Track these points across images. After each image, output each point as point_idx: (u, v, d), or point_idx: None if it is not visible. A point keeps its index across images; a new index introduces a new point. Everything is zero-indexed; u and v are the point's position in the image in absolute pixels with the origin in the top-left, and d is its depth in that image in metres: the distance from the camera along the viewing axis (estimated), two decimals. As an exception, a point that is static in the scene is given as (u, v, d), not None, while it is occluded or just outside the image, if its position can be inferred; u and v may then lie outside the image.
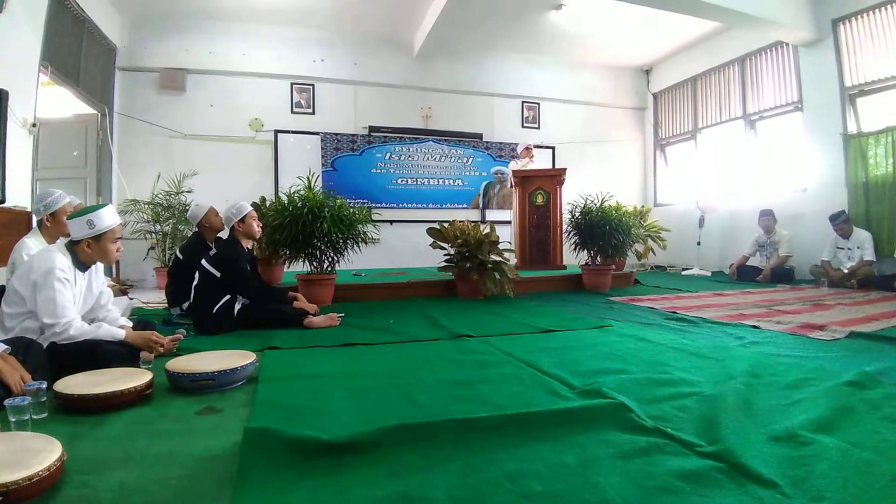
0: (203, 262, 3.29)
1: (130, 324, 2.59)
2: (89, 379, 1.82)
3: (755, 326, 3.22)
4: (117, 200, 6.33)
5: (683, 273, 7.47)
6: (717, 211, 7.36)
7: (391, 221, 7.47)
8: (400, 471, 1.26)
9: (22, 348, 1.91)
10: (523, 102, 8.59)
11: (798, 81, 6.57)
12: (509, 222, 6.75)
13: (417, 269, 6.28)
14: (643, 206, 7.89)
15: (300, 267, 4.45)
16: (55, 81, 5.04)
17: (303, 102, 7.48)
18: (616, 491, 1.14)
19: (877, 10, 5.63)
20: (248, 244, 3.49)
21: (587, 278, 5.39)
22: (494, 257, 4.64)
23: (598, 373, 2.12)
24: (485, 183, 8.21)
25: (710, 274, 7.17)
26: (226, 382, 1.98)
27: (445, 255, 4.86)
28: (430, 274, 5.35)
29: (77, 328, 2.16)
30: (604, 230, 5.12)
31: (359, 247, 4.35)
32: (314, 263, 4.26)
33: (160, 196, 6.32)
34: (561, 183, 5.79)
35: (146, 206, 6.23)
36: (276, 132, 7.29)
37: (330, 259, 4.28)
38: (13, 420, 1.47)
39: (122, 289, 3.97)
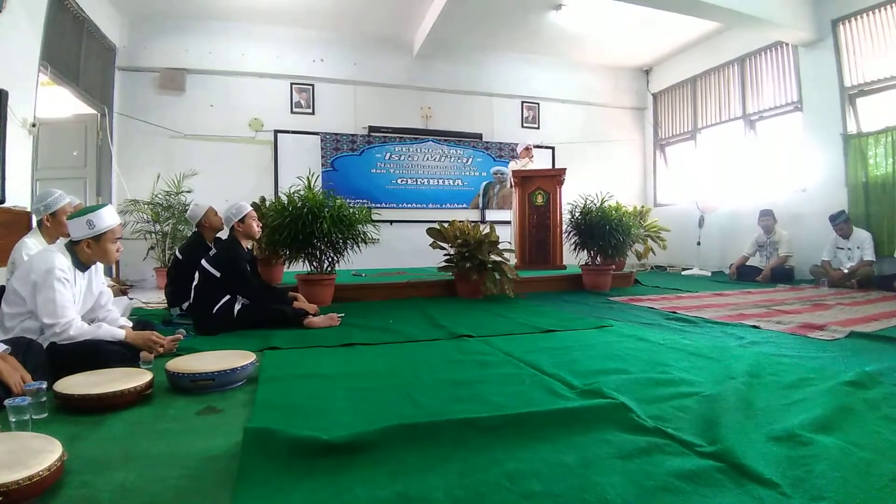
0: (203, 262, 3.29)
1: (130, 324, 2.59)
2: (89, 379, 1.82)
3: (755, 326, 3.22)
4: (117, 200, 6.33)
5: (683, 273, 7.47)
6: (717, 211, 7.36)
7: (391, 221, 7.47)
8: (400, 471, 1.26)
9: (22, 348, 1.91)
10: (523, 102, 8.60)
11: (798, 81, 6.57)
12: (509, 222, 6.75)
13: (417, 270, 6.28)
14: (643, 206, 7.88)
15: (300, 267, 4.45)
16: (55, 81, 5.04)
17: (302, 102, 7.48)
18: (616, 491, 1.15)
19: (876, 11, 5.64)
20: (247, 244, 3.49)
21: (587, 278, 5.39)
22: (494, 257, 4.64)
23: (599, 373, 2.12)
24: (484, 183, 8.22)
25: (710, 274, 7.17)
26: (226, 382, 1.98)
27: (445, 255, 4.86)
28: (429, 274, 5.35)
29: (77, 328, 2.16)
30: (604, 230, 5.12)
31: (359, 247, 4.34)
32: (314, 263, 4.26)
33: (160, 196, 6.32)
34: (561, 183, 5.79)
35: (146, 206, 6.23)
36: (276, 132, 7.29)
37: (330, 259, 4.28)
38: (13, 420, 1.47)
39: (121, 289, 3.97)
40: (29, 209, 4.18)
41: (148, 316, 3.60)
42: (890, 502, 1.10)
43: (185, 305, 3.64)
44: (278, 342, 2.80)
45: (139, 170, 6.63)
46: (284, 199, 4.29)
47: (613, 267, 5.59)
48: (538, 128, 8.67)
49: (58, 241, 2.55)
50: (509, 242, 6.04)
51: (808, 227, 6.22)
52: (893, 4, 5.47)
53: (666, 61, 8.76)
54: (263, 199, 5.11)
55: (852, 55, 5.93)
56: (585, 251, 5.38)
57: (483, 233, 4.76)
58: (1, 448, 1.22)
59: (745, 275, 6.37)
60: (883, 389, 1.83)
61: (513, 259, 5.57)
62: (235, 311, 3.25)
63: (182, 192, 6.39)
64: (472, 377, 2.12)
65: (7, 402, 1.50)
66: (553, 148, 8.62)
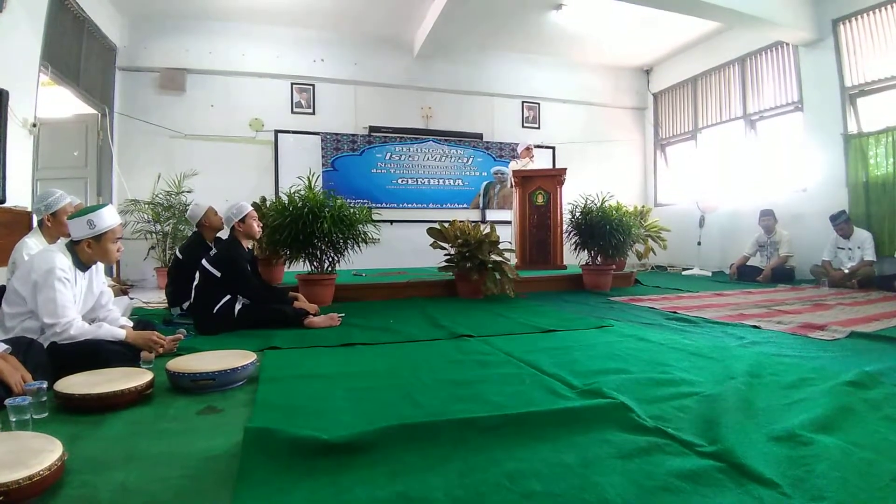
0: (203, 262, 3.29)
1: (131, 324, 2.59)
2: (90, 379, 1.82)
3: (756, 326, 3.22)
4: (117, 200, 6.33)
5: (684, 273, 7.47)
6: (718, 211, 7.36)
7: (391, 221, 7.47)
8: (400, 471, 1.26)
9: (23, 348, 1.91)
10: (523, 102, 8.60)
11: (798, 81, 6.57)
12: (509, 222, 6.75)
13: (418, 269, 6.29)
14: (643, 206, 7.89)
15: (300, 267, 4.45)
16: (55, 81, 5.04)
17: (303, 102, 7.48)
18: (616, 491, 1.15)
19: (877, 10, 5.63)
20: (248, 244, 3.49)
21: (587, 278, 5.39)
22: (495, 257, 4.64)
23: (599, 373, 2.12)
24: (485, 183, 8.22)
25: (710, 274, 7.17)
26: (226, 382, 1.98)
27: (446, 255, 4.86)
28: (430, 274, 5.35)
29: (77, 328, 2.16)
30: (604, 230, 5.12)
31: (359, 247, 4.34)
32: (314, 263, 4.26)
33: (160, 196, 6.32)
34: (561, 183, 5.79)
35: (146, 206, 6.23)
36: (277, 132, 7.29)
37: (330, 259, 4.28)
38: (14, 420, 1.47)
39: (122, 289, 3.98)
40: (30, 209, 4.19)
41: (148, 316, 3.60)
42: (890, 502, 1.10)
43: (185, 305, 3.65)
44: (279, 342, 2.80)
45: (140, 170, 6.63)
46: (285, 198, 4.29)
47: (614, 267, 5.59)
48: (539, 128, 8.67)
49: (58, 240, 2.55)
50: (510, 242, 6.04)
51: (809, 227, 6.22)
52: (894, 4, 5.46)
53: (666, 61, 8.75)
54: (264, 199, 5.11)
55: (853, 55, 5.93)
56: (586, 251, 5.38)
57: (483, 233, 4.76)
58: (1, 448, 1.22)
59: (745, 275, 6.37)
60: (883, 389, 1.83)
61: (513, 259, 5.57)
62: (236, 311, 3.25)
63: (182, 191, 6.40)
64: (472, 377, 2.12)
65: (8, 401, 1.50)
66: (553, 148, 8.62)
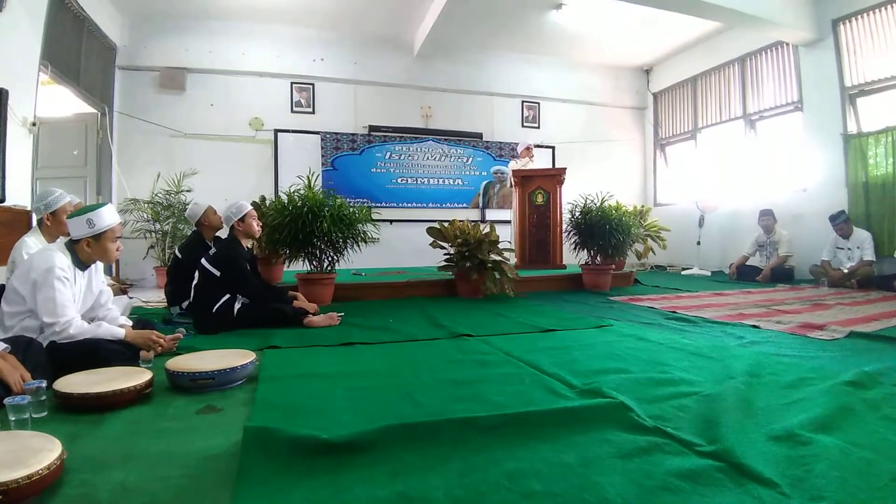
0: (203, 261, 3.29)
1: (130, 323, 2.59)
2: (89, 378, 1.82)
3: (755, 326, 3.22)
4: (117, 199, 6.33)
5: (683, 273, 7.47)
6: (717, 211, 7.36)
7: (391, 221, 7.47)
8: (400, 470, 1.26)
9: (22, 347, 1.91)
10: (523, 102, 8.60)
11: (798, 81, 6.57)
12: (509, 222, 6.75)
13: (417, 269, 6.28)
14: (643, 206, 7.89)
15: (300, 266, 4.45)
16: (55, 80, 5.04)
17: (303, 102, 7.47)
18: (616, 490, 1.15)
19: (877, 10, 5.63)
20: (247, 243, 3.49)
21: (587, 278, 5.39)
22: (494, 257, 4.64)
23: (598, 372, 2.12)
24: (485, 182, 8.21)
25: (709, 274, 7.17)
26: (226, 381, 1.98)
27: (445, 254, 4.86)
28: (429, 273, 5.35)
29: (77, 327, 2.16)
30: (604, 230, 5.12)
31: (359, 246, 4.34)
32: (314, 263, 4.26)
33: (160, 195, 6.32)
34: (561, 182, 5.79)
35: (146, 205, 6.23)
36: (276, 131, 7.29)
37: (330, 258, 4.28)
38: (13, 419, 1.47)
39: (121, 288, 3.98)
40: (29, 208, 4.19)
41: (148, 315, 3.60)
42: (889, 502, 1.11)
43: (184, 304, 3.65)
44: (278, 341, 2.79)
45: (139, 169, 6.63)
46: (284, 198, 4.29)
47: (613, 266, 5.59)
48: (538, 127, 8.67)
49: (58, 240, 2.55)
50: (509, 242, 6.04)
51: (808, 227, 6.22)
52: (894, 4, 5.46)
53: (666, 61, 8.75)
54: (263, 199, 5.11)
55: (853, 55, 5.93)
56: (585, 251, 5.38)
57: (483, 232, 4.76)
58: (0, 447, 1.22)
59: (745, 274, 6.37)
60: (882, 389, 1.83)
61: (513, 258, 5.57)
62: (235, 311, 3.25)
63: (182, 191, 6.39)
64: (471, 377, 2.12)
65: (7, 400, 1.50)
66: (553, 147, 8.62)
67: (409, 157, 7.89)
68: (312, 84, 7.49)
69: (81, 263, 2.31)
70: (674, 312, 3.82)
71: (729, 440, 1.36)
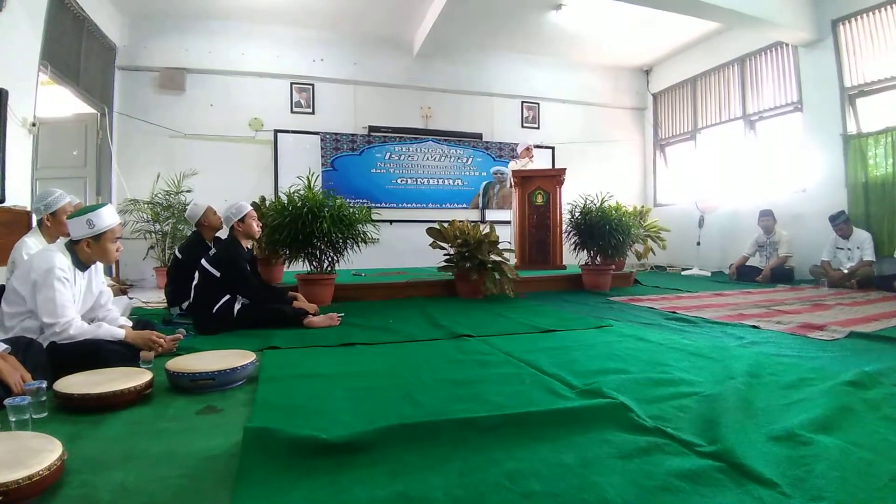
0: (203, 261, 3.29)
1: (130, 323, 2.59)
2: (89, 378, 1.82)
3: (755, 326, 3.22)
4: (117, 200, 6.33)
5: (683, 273, 7.47)
6: (717, 211, 7.36)
7: (391, 221, 7.47)
8: (399, 470, 1.26)
9: (22, 348, 1.91)
10: (523, 102, 8.60)
11: (798, 82, 6.57)
12: (509, 222, 6.75)
13: (417, 269, 6.29)
14: (643, 207, 7.88)
15: (300, 267, 4.45)
16: (55, 81, 5.04)
17: (302, 102, 7.47)
18: (616, 491, 1.15)
19: (876, 11, 5.64)
20: (247, 244, 3.49)
21: (587, 278, 5.39)
22: (494, 257, 4.64)
23: (598, 373, 2.12)
24: (484, 183, 8.22)
25: (709, 274, 7.17)
26: (226, 382, 1.98)
27: (445, 254, 4.86)
28: (429, 274, 5.35)
29: (77, 328, 2.16)
30: (603, 230, 5.12)
31: (358, 247, 4.34)
32: (314, 263, 4.26)
33: (160, 196, 6.32)
34: (560, 183, 5.79)
35: (146, 205, 6.23)
36: (276, 132, 7.29)
37: (330, 259, 4.28)
38: (13, 420, 1.47)
39: (121, 288, 3.98)
40: (29, 208, 4.18)
41: (148, 315, 3.60)
42: (889, 502, 1.11)
43: (184, 305, 3.64)
44: (278, 342, 2.79)
45: (139, 169, 6.63)
46: (284, 198, 4.29)
47: (613, 267, 5.59)
48: (538, 128, 8.67)
49: (58, 240, 2.55)
50: (509, 242, 6.04)
51: (808, 228, 6.22)
52: (893, 5, 5.47)
53: (666, 61, 8.76)
54: (263, 199, 5.11)
55: (852, 55, 5.93)
56: (585, 251, 5.38)
57: (483, 233, 4.76)
58: (1, 447, 1.22)
59: (744, 275, 6.37)
60: (882, 389, 1.83)
61: (513, 259, 5.57)
62: (235, 311, 3.25)
63: (182, 191, 6.39)
64: (471, 377, 2.12)
65: (7, 401, 1.50)
66: (553, 148, 8.62)
67: (409, 158, 7.89)
68: (312, 84, 7.50)
69: (81, 264, 2.31)
70: (674, 313, 3.82)
71: (729, 440, 1.36)
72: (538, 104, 8.67)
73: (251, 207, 3.49)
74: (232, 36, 7.04)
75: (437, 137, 8.01)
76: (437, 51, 7.62)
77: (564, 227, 5.57)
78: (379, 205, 7.33)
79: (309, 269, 4.32)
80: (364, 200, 7.18)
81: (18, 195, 4.23)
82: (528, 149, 6.63)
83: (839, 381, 1.88)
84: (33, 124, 4.52)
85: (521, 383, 2.01)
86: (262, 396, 1.86)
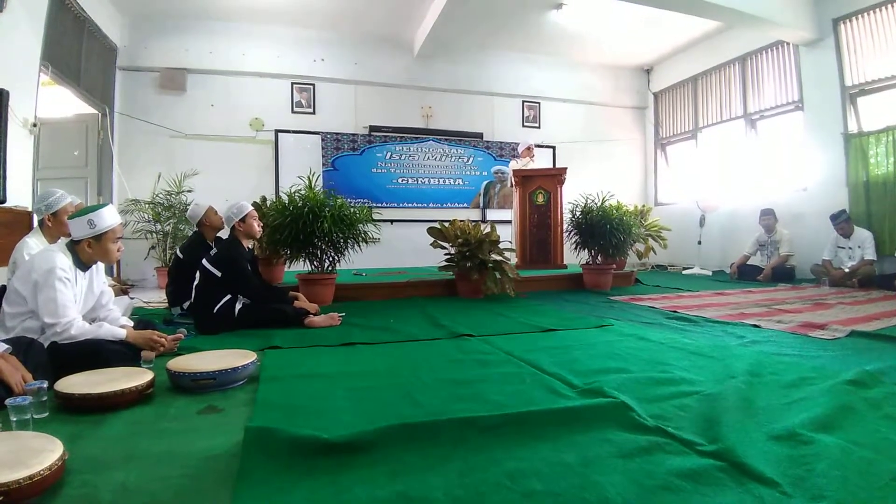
0: (204, 261, 3.29)
1: (131, 323, 2.59)
2: (90, 378, 1.82)
3: (756, 325, 3.21)
4: (118, 200, 6.34)
5: (684, 272, 7.46)
6: (718, 210, 7.35)
7: (392, 221, 7.47)
8: (400, 470, 1.26)
9: (23, 348, 1.91)
10: (524, 102, 8.59)
11: (799, 81, 6.56)
12: (510, 222, 6.74)
13: (418, 269, 6.29)
14: (644, 206, 7.88)
15: (301, 266, 4.45)
16: (56, 81, 5.04)
17: (303, 102, 7.48)
18: (617, 490, 1.15)
19: (877, 10, 5.63)
20: (248, 244, 3.49)
21: (588, 278, 5.39)
22: (495, 257, 4.64)
23: (599, 372, 2.12)
24: (485, 182, 8.21)
25: (710, 273, 7.16)
26: (227, 382, 1.98)
27: (446, 254, 4.86)
28: (430, 273, 5.35)
29: (78, 328, 2.16)
30: (604, 229, 5.12)
31: (359, 246, 4.34)
32: (315, 263, 4.26)
33: (161, 196, 6.33)
34: (561, 182, 5.79)
35: (147, 205, 6.24)
36: (277, 132, 7.29)
37: (330, 259, 4.28)
38: (14, 419, 1.47)
39: (122, 288, 3.98)
40: (30, 209, 4.18)
41: (149, 315, 3.60)
42: (890, 501, 1.10)
43: (185, 305, 3.65)
44: (279, 341, 2.80)
45: (140, 169, 6.63)
46: (285, 198, 4.29)
47: (614, 266, 5.59)
48: (539, 127, 8.67)
49: (59, 240, 2.55)
50: (510, 242, 6.03)
51: (809, 227, 6.21)
52: (894, 4, 5.46)
53: (667, 60, 8.75)
54: (264, 199, 5.11)
55: (853, 54, 5.92)
56: (586, 250, 5.38)
57: (484, 232, 4.76)
58: (2, 447, 1.22)
59: (745, 274, 6.36)
60: (884, 388, 1.83)
61: (513, 258, 5.56)
62: (236, 311, 3.25)
63: (183, 191, 6.40)
64: (472, 376, 2.12)
65: (8, 401, 1.50)
66: (554, 147, 8.62)
67: (410, 158, 7.89)
68: (313, 84, 7.50)
69: (82, 264, 2.32)
70: (675, 312, 3.82)
71: (730, 439, 1.36)
72: (539, 103, 8.66)
73: (252, 207, 3.50)
74: (232, 36, 7.05)
75: (438, 137, 8.01)
76: (438, 50, 7.62)
77: (565, 226, 5.57)
78: (380, 204, 7.33)
79: (310, 268, 4.33)
80: (365, 200, 7.19)
81: (19, 195, 4.24)
82: (528, 148, 6.63)
83: (840, 380, 1.88)
84: (34, 125, 4.53)
85: (521, 383, 2.01)
86: (262, 396, 1.86)
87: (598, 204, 5.32)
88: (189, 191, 6.42)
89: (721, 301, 4.37)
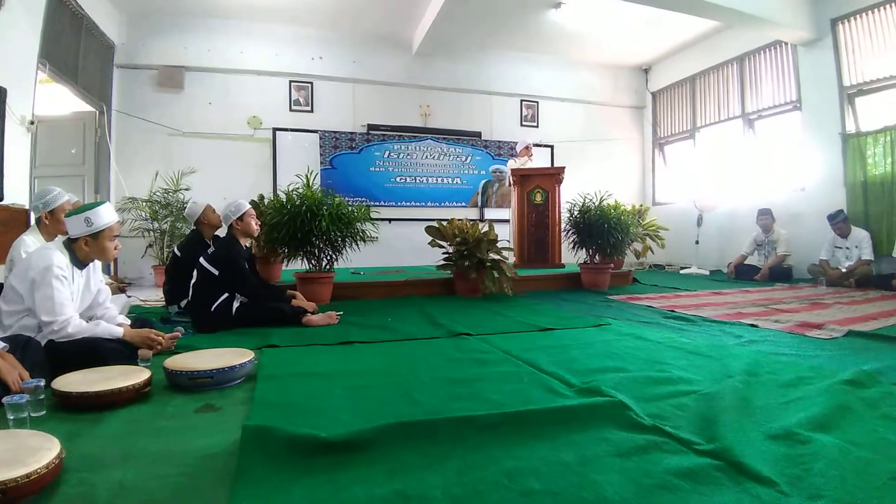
0: (201, 259, 3.29)
1: (129, 321, 2.59)
2: (87, 377, 1.81)
3: (753, 325, 3.22)
4: (115, 198, 6.32)
5: (682, 272, 7.48)
6: (716, 210, 7.37)
7: (390, 220, 7.46)
8: (398, 469, 1.26)
9: (20, 346, 1.90)
10: (522, 101, 8.59)
11: (797, 81, 6.57)
12: (508, 221, 6.75)
13: (416, 268, 6.28)
14: (642, 205, 7.86)
15: (298, 265, 4.45)
16: (53, 79, 5.03)
17: (301, 100, 7.46)
18: (614, 489, 1.15)
19: (875, 10, 5.64)
20: (246, 242, 3.48)
21: (586, 277, 5.40)
22: (493, 256, 4.64)
23: (597, 371, 2.12)
24: (483, 181, 8.21)
25: (708, 273, 7.18)
26: (224, 380, 1.98)
27: (444, 253, 4.86)
28: (428, 272, 5.35)
29: (75, 326, 2.15)
30: (602, 229, 5.12)
31: (357, 245, 4.34)
32: (312, 261, 4.26)
33: (158, 194, 6.32)
34: (559, 181, 5.79)
35: (144, 203, 6.23)
36: (275, 130, 7.28)
37: (328, 257, 4.28)
38: (11, 418, 1.47)
39: (120, 286, 3.98)
40: (27, 207, 4.18)
41: (146, 314, 3.60)
42: (888, 500, 1.11)
43: (183, 303, 3.64)
44: (277, 340, 2.79)
45: (137, 167, 6.62)
46: (283, 196, 4.29)
47: (612, 265, 5.60)
48: (537, 126, 8.67)
49: (56, 238, 2.55)
50: (508, 241, 6.04)
51: (807, 226, 6.23)
52: (892, 4, 5.47)
53: (665, 60, 8.76)
54: (262, 197, 5.09)
55: (851, 54, 5.94)
56: (584, 250, 5.38)
57: (482, 231, 4.76)
58: (-1, 446, 1.21)
59: (743, 273, 6.38)
60: (881, 388, 1.83)
61: (511, 257, 5.56)
62: (234, 309, 3.24)
63: (180, 189, 6.39)
64: (470, 375, 2.12)
65: (5, 399, 1.50)
66: (552, 146, 8.62)
67: (408, 156, 7.89)
68: (311, 83, 7.48)
69: (79, 262, 2.31)
70: (672, 311, 3.83)
71: (727, 439, 1.36)
72: (537, 103, 8.66)
73: (250, 206, 3.48)
74: (231, 34, 7.03)
75: (436, 136, 8.01)
76: (437, 49, 7.61)
77: (563, 225, 5.57)
78: (378, 203, 7.31)
79: (307, 267, 4.32)
80: (363, 199, 7.18)
81: (17, 193, 4.22)
82: (527, 147, 6.63)
83: (837, 379, 1.88)
84: (32, 122, 4.51)
85: (519, 382, 2.01)
86: (260, 395, 1.86)
87: (596, 203, 5.33)
88: (187, 189, 6.42)
89: (718, 300, 4.38)
